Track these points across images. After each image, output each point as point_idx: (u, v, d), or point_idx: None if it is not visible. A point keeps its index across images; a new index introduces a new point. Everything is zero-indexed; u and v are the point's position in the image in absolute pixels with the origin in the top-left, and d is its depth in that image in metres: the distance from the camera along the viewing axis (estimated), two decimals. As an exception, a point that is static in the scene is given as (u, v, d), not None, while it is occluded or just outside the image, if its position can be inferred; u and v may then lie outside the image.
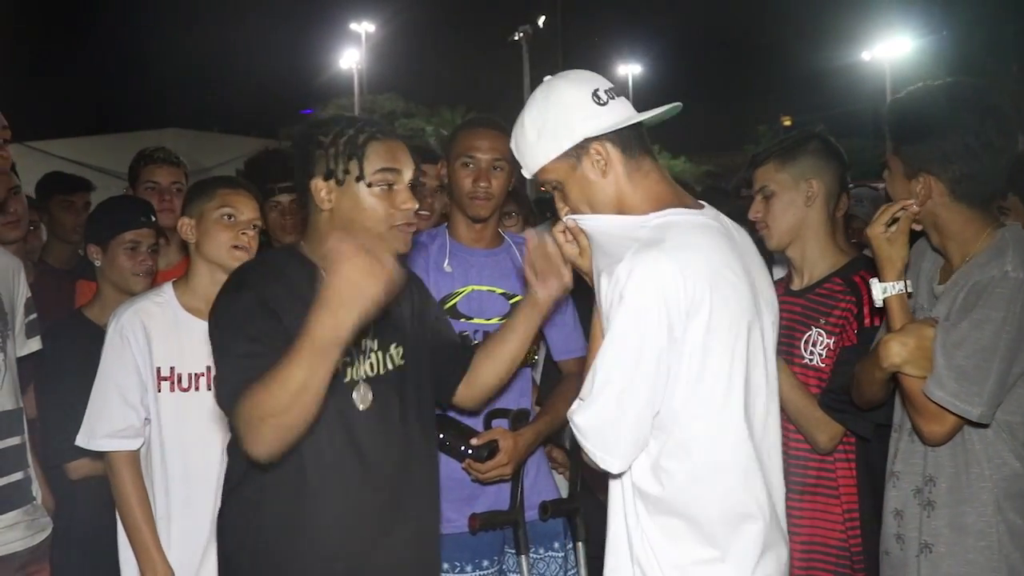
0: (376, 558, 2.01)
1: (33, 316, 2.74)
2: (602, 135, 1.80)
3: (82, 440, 2.53)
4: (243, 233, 2.56)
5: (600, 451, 1.75)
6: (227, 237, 2.55)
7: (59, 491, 2.87)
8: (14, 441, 2.56)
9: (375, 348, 2.08)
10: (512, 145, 1.92)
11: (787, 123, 30.71)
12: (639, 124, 1.85)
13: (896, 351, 2.01)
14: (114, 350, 2.52)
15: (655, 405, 1.73)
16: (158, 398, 2.52)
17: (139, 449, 2.53)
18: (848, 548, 2.40)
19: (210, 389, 2.50)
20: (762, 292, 1.87)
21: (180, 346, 2.52)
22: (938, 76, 2.26)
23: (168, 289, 2.61)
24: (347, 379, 2.01)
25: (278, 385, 1.72)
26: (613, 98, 1.83)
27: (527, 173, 1.91)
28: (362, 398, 2.02)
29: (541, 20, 21.88)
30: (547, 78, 1.88)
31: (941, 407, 1.95)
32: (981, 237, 2.07)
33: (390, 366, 2.10)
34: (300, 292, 1.90)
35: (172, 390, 2.52)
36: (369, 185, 1.95)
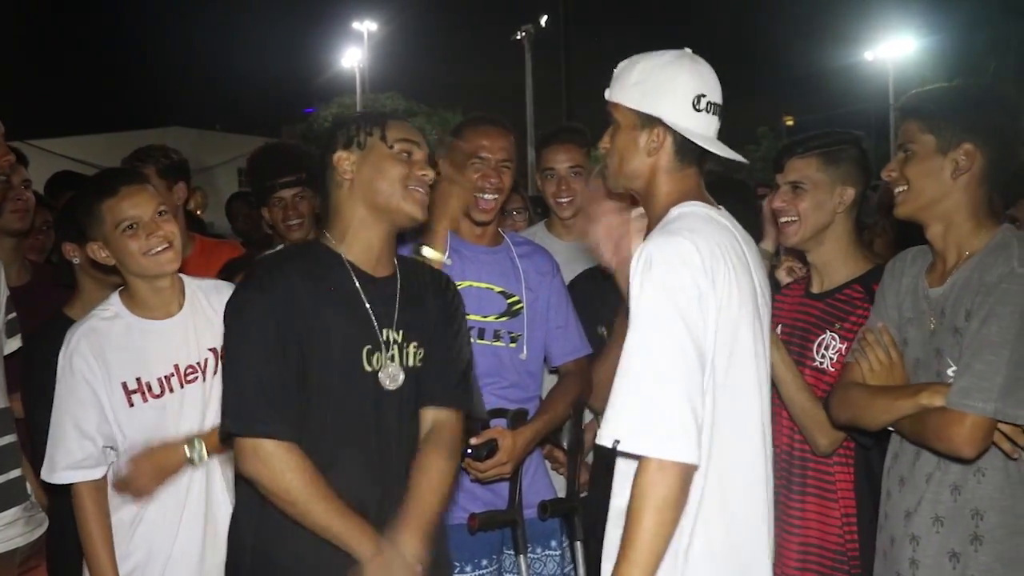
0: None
1: (12, 315, 2.73)
2: (671, 127, 1.91)
3: (45, 474, 2.40)
4: (151, 236, 2.38)
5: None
6: (137, 247, 2.39)
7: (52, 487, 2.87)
8: (10, 439, 2.58)
9: (399, 340, 2.11)
10: (618, 67, 2.02)
11: (789, 123, 30.64)
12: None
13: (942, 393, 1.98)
14: (64, 381, 2.38)
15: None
16: (131, 413, 2.38)
17: (103, 478, 2.40)
18: (845, 551, 2.38)
19: (183, 387, 2.43)
20: (762, 294, 1.95)
21: (141, 355, 2.40)
22: (941, 76, 2.25)
23: (115, 300, 2.47)
24: (368, 368, 2.07)
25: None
26: (709, 112, 1.94)
27: (608, 94, 2.01)
28: (391, 378, 2.09)
29: (543, 19, 21.82)
30: (687, 50, 1.98)
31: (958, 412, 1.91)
32: (980, 234, 2.06)
33: (409, 363, 2.13)
34: (332, 289, 2.05)
35: (145, 400, 2.39)
36: (391, 147, 2.09)
